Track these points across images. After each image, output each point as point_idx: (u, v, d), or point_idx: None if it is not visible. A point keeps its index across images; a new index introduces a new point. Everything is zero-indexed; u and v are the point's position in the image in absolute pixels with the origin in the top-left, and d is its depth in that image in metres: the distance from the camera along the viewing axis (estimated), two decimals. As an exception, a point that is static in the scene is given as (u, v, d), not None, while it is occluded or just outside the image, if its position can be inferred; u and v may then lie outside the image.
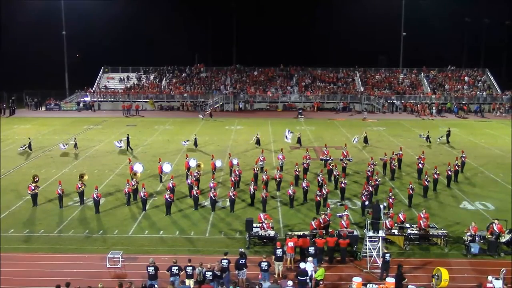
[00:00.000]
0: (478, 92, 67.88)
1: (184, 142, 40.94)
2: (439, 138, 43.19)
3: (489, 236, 21.01)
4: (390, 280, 17.02)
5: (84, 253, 20.85)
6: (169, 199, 25.35)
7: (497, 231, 21.05)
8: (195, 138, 41.04)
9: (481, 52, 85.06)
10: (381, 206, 20.92)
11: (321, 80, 72.75)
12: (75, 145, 39.46)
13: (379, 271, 18.95)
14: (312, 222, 21.74)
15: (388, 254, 18.69)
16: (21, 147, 39.36)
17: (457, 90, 69.49)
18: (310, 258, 18.24)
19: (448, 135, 43.22)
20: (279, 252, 18.81)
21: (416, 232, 21.76)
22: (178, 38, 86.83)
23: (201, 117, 58.84)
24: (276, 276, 18.63)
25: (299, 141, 41.45)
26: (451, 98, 66.86)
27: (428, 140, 42.37)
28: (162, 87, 71.54)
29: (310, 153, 34.97)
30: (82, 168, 33.88)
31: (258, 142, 41.37)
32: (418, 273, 19.09)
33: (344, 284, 17.99)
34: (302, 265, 17.96)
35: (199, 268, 17.42)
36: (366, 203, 25.06)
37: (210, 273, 17.19)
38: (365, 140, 42.44)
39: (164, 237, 22.57)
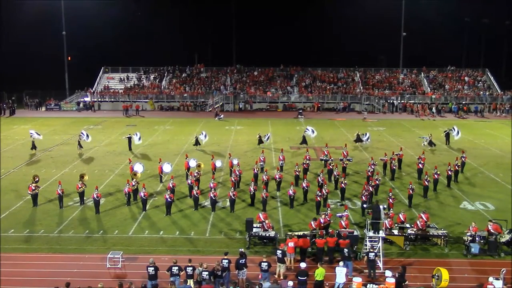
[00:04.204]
0: (481, 93, 67.85)
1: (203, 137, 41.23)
2: (434, 145, 41.49)
3: (488, 236, 21.00)
4: (390, 280, 17.03)
5: (84, 253, 20.86)
6: (169, 199, 25.35)
7: (492, 231, 21.09)
8: (196, 138, 41.10)
9: (481, 52, 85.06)
10: (381, 207, 20.92)
11: (321, 80, 72.76)
12: (79, 144, 39.46)
13: (379, 271, 19.00)
14: (312, 222, 21.76)
15: (372, 254, 18.78)
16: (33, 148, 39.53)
17: (457, 90, 69.50)
18: (341, 263, 17.98)
19: (447, 136, 42.93)
20: (278, 253, 18.80)
21: (414, 232, 21.75)
22: (178, 38, 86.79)
23: (218, 118, 58.67)
24: (276, 276, 18.62)
25: (304, 140, 41.44)
26: (451, 98, 66.88)
27: (431, 144, 41.20)
28: (162, 87, 71.57)
29: (310, 153, 34.99)
30: (82, 168, 33.89)
31: (260, 141, 41.37)
32: (418, 273, 19.09)
33: (344, 284, 17.96)
34: (302, 265, 17.98)
35: (199, 268, 17.41)
36: (365, 204, 25.00)
37: (207, 273, 17.18)
38: (358, 139, 42.12)
39: (164, 237, 22.57)
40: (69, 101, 69.25)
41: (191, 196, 26.91)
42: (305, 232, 21.39)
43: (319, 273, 17.32)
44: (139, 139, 40.87)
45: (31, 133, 40.72)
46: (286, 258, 19.17)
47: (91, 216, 25.22)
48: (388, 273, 17.35)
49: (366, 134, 42.54)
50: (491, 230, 21.10)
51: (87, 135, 40.82)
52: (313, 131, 42.60)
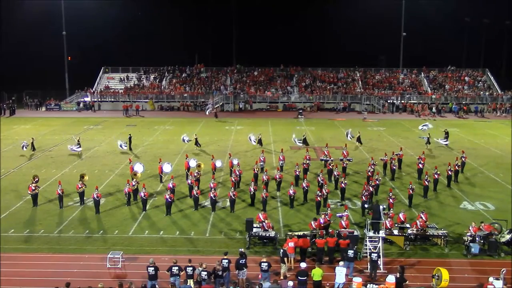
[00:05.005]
0: (481, 93, 67.82)
1: (185, 138, 41.19)
2: (428, 144, 41.24)
3: (488, 236, 21.02)
4: (390, 280, 17.01)
5: (84, 253, 20.86)
6: (169, 199, 25.35)
7: (484, 231, 21.14)
8: (196, 138, 41.02)
9: (481, 52, 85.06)
10: (381, 207, 20.92)
11: (321, 80, 72.76)
12: (79, 145, 39.40)
13: (379, 271, 19.00)
14: (312, 222, 21.75)
15: (375, 254, 18.77)
16: (26, 147, 39.03)
17: (457, 90, 69.50)
18: (341, 263, 17.97)
19: (446, 136, 42.83)
20: (281, 253, 18.79)
21: (415, 232, 21.74)
22: (179, 38, 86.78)
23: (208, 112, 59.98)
24: (280, 276, 18.57)
25: (305, 141, 41.43)
26: (451, 98, 66.87)
27: (428, 142, 41.37)
28: (162, 87, 71.55)
29: (310, 153, 34.98)
30: (82, 168, 33.86)
31: (260, 142, 41.36)
32: (418, 273, 19.09)
33: (344, 284, 17.96)
34: (302, 265, 17.97)
35: (199, 268, 17.42)
36: (366, 204, 24.98)
37: (205, 273, 17.18)
38: (358, 139, 42.11)
39: (164, 237, 22.57)
40: (69, 101, 69.22)
41: (191, 196, 26.90)
42: (305, 232, 21.39)
43: (316, 273, 17.31)
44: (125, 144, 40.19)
45: (24, 145, 39.28)
46: (285, 258, 19.16)
47: (91, 216, 25.22)
48: (390, 277, 17.20)
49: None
50: (484, 231, 21.18)
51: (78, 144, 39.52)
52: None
